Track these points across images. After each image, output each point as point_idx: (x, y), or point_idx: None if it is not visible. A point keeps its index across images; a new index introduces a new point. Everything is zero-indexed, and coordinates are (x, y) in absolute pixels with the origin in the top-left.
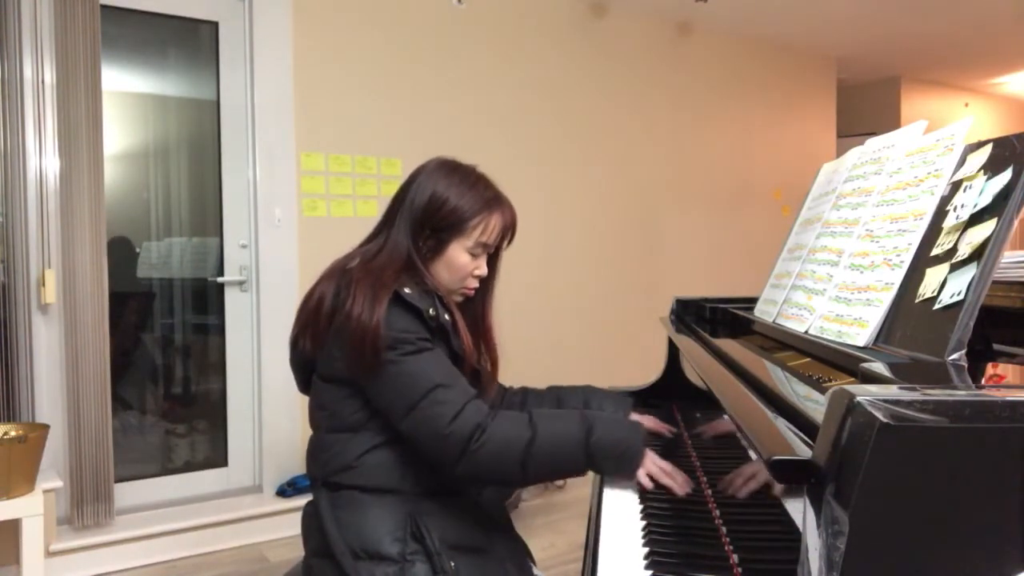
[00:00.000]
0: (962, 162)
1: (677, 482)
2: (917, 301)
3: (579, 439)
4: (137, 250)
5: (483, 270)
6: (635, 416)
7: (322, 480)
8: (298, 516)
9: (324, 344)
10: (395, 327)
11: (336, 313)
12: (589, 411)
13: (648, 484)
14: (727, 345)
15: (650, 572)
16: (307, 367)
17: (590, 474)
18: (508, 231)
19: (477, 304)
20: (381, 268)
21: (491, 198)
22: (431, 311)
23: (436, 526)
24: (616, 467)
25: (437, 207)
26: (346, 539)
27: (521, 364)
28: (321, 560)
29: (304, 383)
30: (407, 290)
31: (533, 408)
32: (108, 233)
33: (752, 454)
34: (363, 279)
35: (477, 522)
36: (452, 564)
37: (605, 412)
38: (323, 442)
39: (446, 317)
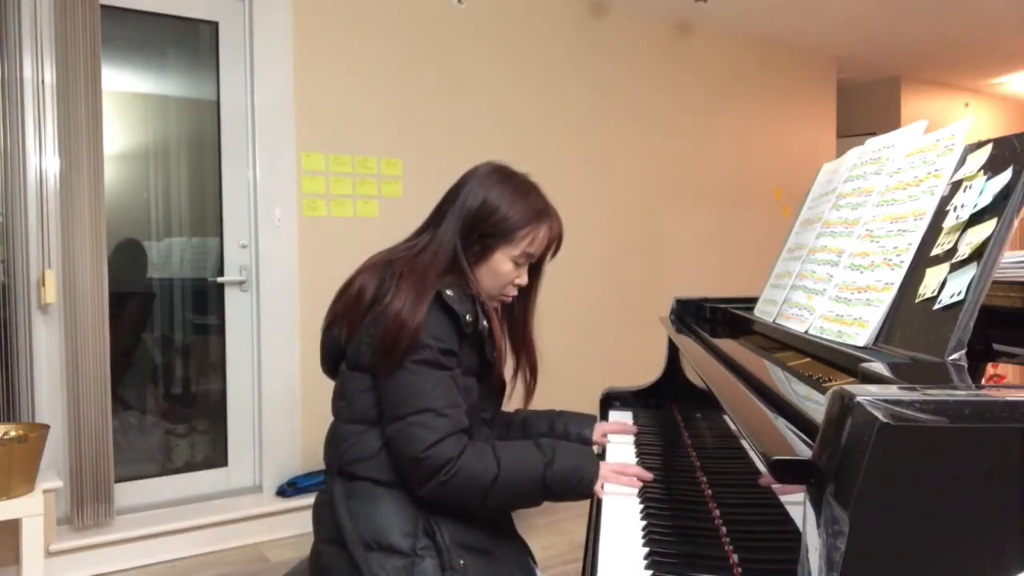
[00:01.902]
0: (962, 162)
1: (632, 479)
2: (917, 301)
3: (539, 474)
4: (146, 253)
5: (524, 279)
6: (599, 425)
7: (338, 469)
8: (298, 516)
9: (358, 332)
10: (427, 330)
11: (376, 303)
12: (547, 442)
13: (602, 494)
14: (727, 345)
15: (650, 572)
16: (337, 353)
17: None
18: (554, 243)
19: (518, 312)
20: (426, 267)
21: (541, 209)
22: (468, 316)
23: (447, 524)
24: (570, 495)
25: (488, 214)
26: (358, 529)
27: None
28: (331, 547)
29: (331, 367)
30: (449, 292)
31: (499, 428)
32: (113, 235)
33: (752, 454)
34: (408, 275)
35: (486, 524)
36: (461, 562)
37: (562, 442)
38: (341, 431)
39: (483, 324)
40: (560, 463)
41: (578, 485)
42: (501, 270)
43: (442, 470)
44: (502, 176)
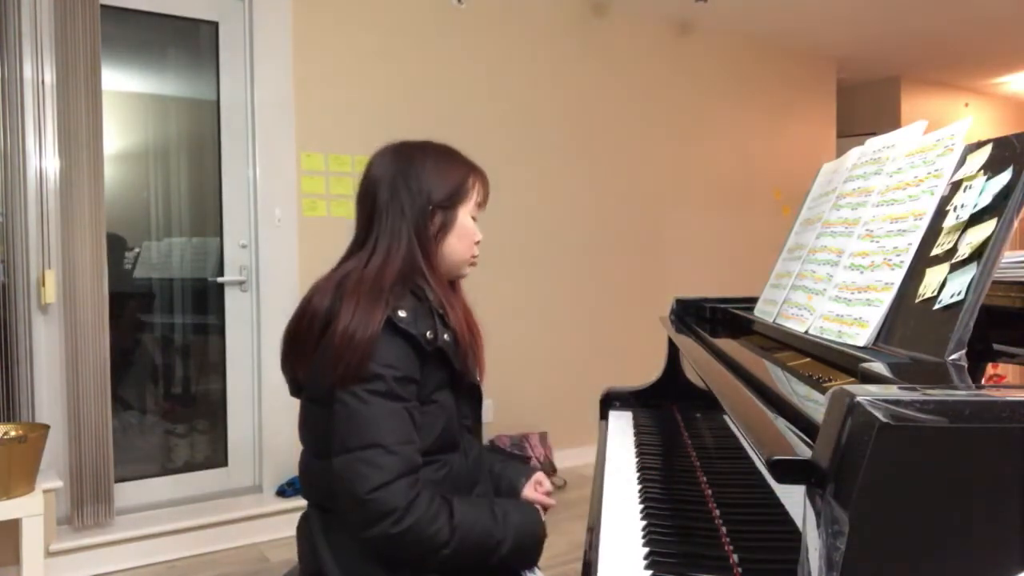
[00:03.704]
0: (962, 162)
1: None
2: (917, 301)
3: (490, 547)
4: (137, 249)
5: (480, 235)
6: (525, 492)
7: (314, 502)
8: (298, 516)
9: (312, 363)
10: (380, 359)
11: (328, 326)
12: (507, 515)
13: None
14: (727, 345)
15: (650, 572)
16: (297, 382)
17: (590, 472)
18: (488, 189)
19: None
20: (379, 273)
21: (468, 162)
22: (428, 333)
23: None
24: (516, 567)
25: (437, 187)
26: (338, 562)
27: (521, 364)
28: None
29: (298, 391)
30: (402, 313)
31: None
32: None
33: (752, 454)
34: (359, 287)
35: None
36: None
37: (515, 515)
38: (310, 464)
39: (445, 338)
40: (512, 543)
41: (521, 562)
42: (467, 228)
43: (388, 518)
44: (420, 149)
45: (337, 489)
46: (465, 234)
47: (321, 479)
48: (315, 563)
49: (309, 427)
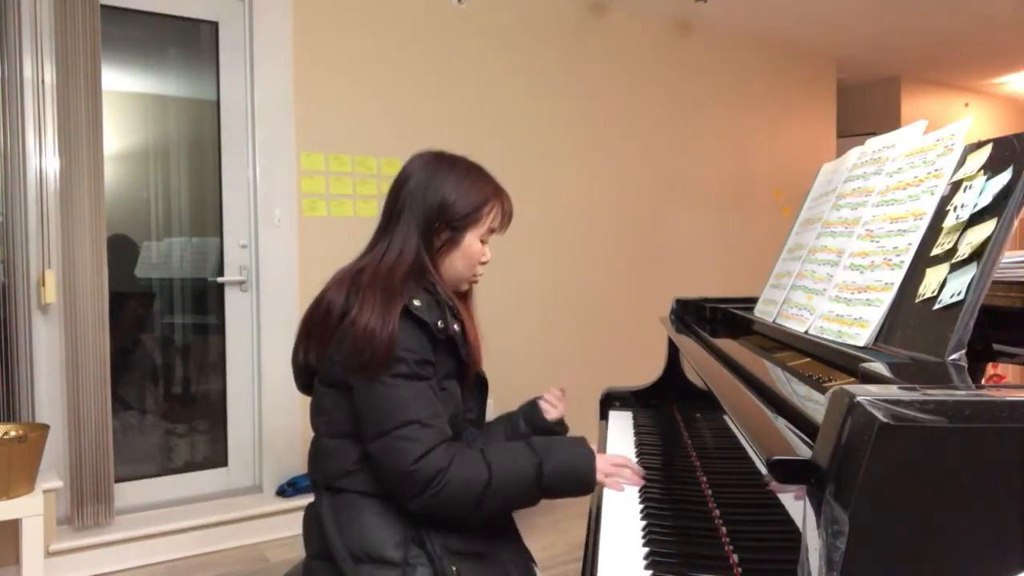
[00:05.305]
0: (962, 162)
1: (627, 472)
2: (917, 301)
3: (532, 475)
4: (138, 248)
5: (489, 256)
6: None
7: (323, 484)
8: (298, 516)
9: (327, 350)
10: (400, 344)
11: (344, 317)
12: (540, 441)
13: (606, 482)
14: (727, 345)
15: (650, 572)
16: (309, 372)
17: None
18: (509, 216)
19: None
20: (390, 270)
21: (495, 187)
22: (439, 323)
23: (437, 532)
24: (570, 493)
25: (451, 203)
26: (347, 543)
27: (521, 364)
28: (322, 563)
29: (304, 385)
30: (416, 302)
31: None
32: (107, 232)
33: (752, 454)
34: (373, 283)
35: (479, 527)
36: (454, 568)
37: (556, 438)
38: (322, 447)
39: (455, 328)
40: (554, 463)
41: (576, 484)
42: (472, 250)
43: (433, 481)
44: (449, 163)
45: (380, 472)
46: (468, 255)
47: (333, 459)
48: (322, 545)
49: (324, 410)
